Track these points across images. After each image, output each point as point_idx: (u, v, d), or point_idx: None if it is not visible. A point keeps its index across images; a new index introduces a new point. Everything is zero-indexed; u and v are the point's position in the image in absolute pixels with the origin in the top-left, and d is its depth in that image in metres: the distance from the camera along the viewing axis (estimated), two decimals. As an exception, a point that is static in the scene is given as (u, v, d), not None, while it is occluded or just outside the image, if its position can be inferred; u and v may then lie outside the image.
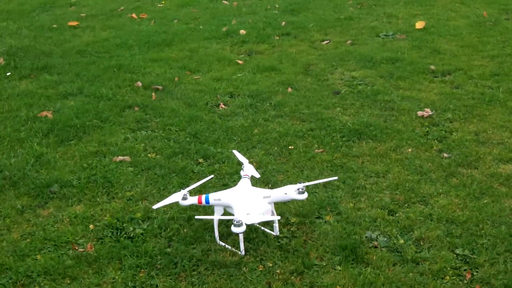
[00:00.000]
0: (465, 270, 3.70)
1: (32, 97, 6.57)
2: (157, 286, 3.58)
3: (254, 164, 4.82)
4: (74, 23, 10.07)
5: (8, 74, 7.43)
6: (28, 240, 4.04)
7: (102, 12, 11.07)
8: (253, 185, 4.12)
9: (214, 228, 3.97)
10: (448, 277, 3.62)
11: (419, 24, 9.25)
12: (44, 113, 6.07)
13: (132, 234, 4.08)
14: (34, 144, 5.38)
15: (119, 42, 8.80)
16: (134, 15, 10.63)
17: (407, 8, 10.59)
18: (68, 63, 7.81)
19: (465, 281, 3.60)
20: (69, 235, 4.08)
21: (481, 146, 5.27)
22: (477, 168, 4.91)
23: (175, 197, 4.03)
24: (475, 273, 3.67)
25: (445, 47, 8.16)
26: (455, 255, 3.83)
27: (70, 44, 8.80)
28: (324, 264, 3.76)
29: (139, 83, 6.94)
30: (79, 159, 5.14)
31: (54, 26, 9.96)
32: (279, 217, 3.82)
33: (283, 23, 9.71)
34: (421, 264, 3.75)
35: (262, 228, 4.09)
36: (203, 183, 4.39)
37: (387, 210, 4.33)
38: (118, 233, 4.10)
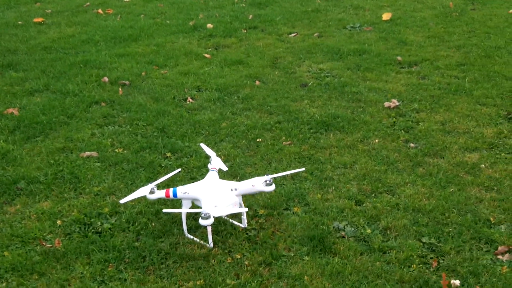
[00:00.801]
0: (431, 258, 3.74)
1: (-3, 94, 6.51)
2: (125, 280, 3.57)
3: (222, 157, 4.83)
4: (40, 20, 9.97)
5: (-27, 71, 7.35)
6: (-6, 237, 4.01)
7: (68, 8, 10.98)
8: (221, 178, 4.13)
9: (182, 221, 3.97)
10: (414, 265, 3.66)
11: (386, 16, 9.31)
12: (10, 110, 6.01)
13: (100, 229, 4.06)
14: (0, 141, 5.32)
15: (85, 38, 8.73)
16: (100, 10, 10.56)
17: None
18: (34, 60, 7.73)
19: (432, 269, 3.64)
20: (36, 231, 4.05)
21: (447, 136, 5.33)
22: (443, 158, 4.96)
23: (142, 191, 4.02)
24: (441, 261, 3.71)
25: (411, 38, 8.22)
26: (421, 244, 3.87)
27: (35, 40, 8.72)
28: (292, 254, 3.78)
29: (106, 79, 6.90)
30: (46, 155, 5.10)
31: (19, 23, 9.85)
32: (246, 209, 3.83)
33: (250, 16, 9.72)
34: (388, 253, 3.79)
35: (230, 220, 4.10)
36: (171, 177, 4.38)
37: (354, 201, 4.36)
38: (86, 228, 4.08)
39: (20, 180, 4.68)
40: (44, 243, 3.92)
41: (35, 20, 9.96)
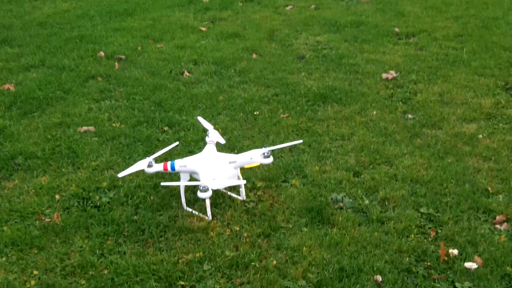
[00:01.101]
0: (429, 228, 3.75)
1: (-7, 70, 6.48)
2: (125, 253, 3.58)
3: (220, 130, 4.82)
4: (35, -5, 9.90)
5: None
6: (-7, 212, 4.01)
7: (63, -18, 10.89)
8: (218, 151, 4.12)
9: (180, 195, 3.97)
10: (412, 235, 3.67)
11: (383, -12, 9.25)
12: (6, 86, 5.98)
13: (98, 203, 4.06)
14: (-3, 117, 5.32)
15: (80, 13, 8.67)
16: (95, -15, 10.47)
17: (370, -28, 10.59)
18: (29, 35, 7.68)
19: (430, 239, 3.65)
20: (35, 206, 4.05)
21: (445, 107, 5.32)
22: (441, 128, 4.96)
23: (140, 165, 4.02)
24: (439, 231, 3.72)
25: (409, 9, 8.19)
26: (419, 214, 3.88)
27: (30, 16, 8.66)
28: (291, 226, 3.79)
29: (102, 53, 6.87)
30: (43, 130, 5.08)
31: (14, -2, 9.79)
32: (244, 182, 3.83)
33: (247, -11, 9.66)
34: (386, 223, 3.79)
35: (229, 193, 4.11)
36: (169, 150, 4.37)
37: (352, 172, 4.36)
38: (85, 203, 4.09)
39: (18, 156, 4.67)
40: (43, 218, 3.92)
41: (30, -5, 9.89)
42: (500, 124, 4.98)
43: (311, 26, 7.69)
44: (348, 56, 6.56)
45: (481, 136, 4.80)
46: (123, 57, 6.77)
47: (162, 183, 3.83)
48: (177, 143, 4.58)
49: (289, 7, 8.61)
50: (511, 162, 4.43)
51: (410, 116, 5.17)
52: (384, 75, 5.98)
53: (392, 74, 5.99)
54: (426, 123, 5.03)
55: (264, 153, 3.88)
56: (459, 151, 4.60)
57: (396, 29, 7.36)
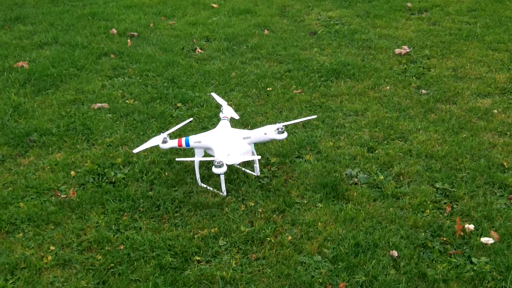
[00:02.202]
0: (445, 203, 3.75)
1: (7, 49, 6.47)
2: (140, 228, 3.60)
3: (233, 106, 4.82)
4: (45, -28, 9.87)
5: (-20, 25, 7.31)
6: (10, 188, 4.02)
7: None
8: (232, 127, 4.12)
9: (195, 170, 3.98)
10: (428, 211, 3.67)
11: (395, -38, 9.17)
12: (20, 63, 5.99)
13: (113, 179, 4.08)
14: (12, 95, 5.32)
15: (92, -10, 8.66)
16: (106, -39, 10.43)
17: None
18: (42, 13, 7.68)
19: (445, 214, 3.65)
20: (50, 182, 4.07)
21: (459, 82, 5.30)
22: (456, 104, 4.94)
23: (155, 141, 4.03)
24: (455, 206, 3.72)
25: (421, -15, 8.13)
26: (435, 189, 3.87)
27: (42, -7, 8.65)
28: (305, 202, 3.79)
29: (114, 30, 6.86)
30: (57, 107, 5.10)
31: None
32: (259, 157, 3.83)
33: (258, -35, 9.60)
34: (401, 199, 3.79)
35: (243, 169, 4.11)
36: (183, 126, 4.38)
37: (366, 148, 4.35)
38: (100, 179, 4.10)
39: (33, 133, 4.68)
40: (58, 194, 3.94)
41: (41, -28, 9.86)
42: (515, 99, 4.97)
43: (323, 1, 7.65)
44: (361, 32, 6.53)
45: (496, 111, 4.78)
46: (135, 34, 6.76)
47: (177, 159, 3.84)
48: (191, 119, 4.59)
49: (301, -18, 8.56)
50: (526, 137, 4.43)
51: (424, 91, 5.15)
52: (397, 50, 5.95)
53: (405, 49, 5.96)
54: (440, 98, 5.01)
55: (278, 129, 3.87)
56: (473, 126, 4.58)
57: (409, 4, 7.31)
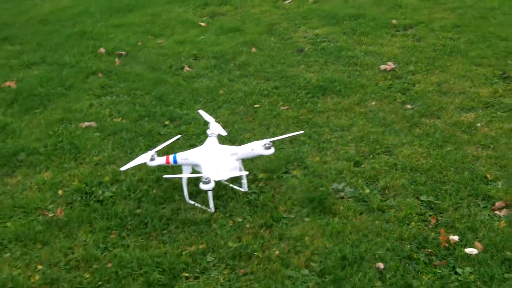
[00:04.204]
0: (430, 215, 3.79)
1: (-6, 69, 6.51)
2: (128, 246, 3.61)
3: (221, 123, 4.84)
4: (34, -7, 9.93)
5: (-32, 46, 7.34)
6: (-3, 208, 4.05)
7: (62, -20, 10.93)
8: (220, 143, 4.15)
9: (183, 187, 4.00)
10: (413, 223, 3.70)
11: (380, -20, 9.26)
12: (8, 83, 6.02)
13: (101, 198, 4.10)
14: (-1, 114, 5.35)
15: (80, 10, 8.71)
16: (94, -18, 10.49)
17: (368, -36, 10.60)
18: (30, 33, 7.72)
19: (430, 226, 3.68)
20: (38, 201, 4.09)
21: (443, 96, 5.35)
22: (440, 118, 4.99)
23: (142, 158, 4.05)
24: (439, 218, 3.75)
25: (406, 1, 8.21)
26: (419, 202, 3.91)
27: (31, 13, 8.70)
28: (293, 216, 3.82)
29: (102, 49, 6.91)
30: (45, 127, 5.12)
31: (14, -4, 9.82)
32: (247, 173, 3.87)
33: (245, -16, 9.68)
34: (387, 212, 3.83)
35: (231, 185, 4.14)
36: (170, 143, 4.40)
37: (352, 162, 4.39)
38: (88, 197, 4.12)
39: (20, 152, 4.70)
40: (46, 213, 3.96)
41: (30, -7, 9.92)
42: (498, 112, 5.01)
43: (310, 19, 7.72)
44: (347, 49, 6.59)
45: (479, 124, 4.83)
46: (123, 52, 6.81)
47: (165, 176, 3.87)
48: (179, 136, 4.62)
49: (288, 1, 8.64)
50: (509, 149, 4.46)
51: (408, 106, 5.20)
52: (382, 67, 6.01)
53: (391, 65, 6.02)
54: (424, 113, 5.06)
55: (265, 144, 3.91)
56: (457, 139, 4.63)
57: (394, 21, 7.39)
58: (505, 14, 7.40)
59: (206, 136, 4.23)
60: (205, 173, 3.72)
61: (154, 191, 4.13)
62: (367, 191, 4.03)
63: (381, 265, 3.36)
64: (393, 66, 6.00)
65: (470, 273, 3.28)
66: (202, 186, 3.66)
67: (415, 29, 7.14)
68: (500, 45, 6.42)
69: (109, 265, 3.47)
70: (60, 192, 4.19)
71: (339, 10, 7.92)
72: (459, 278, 3.25)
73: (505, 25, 7.03)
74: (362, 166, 4.35)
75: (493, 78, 5.64)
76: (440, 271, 3.31)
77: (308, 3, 8.46)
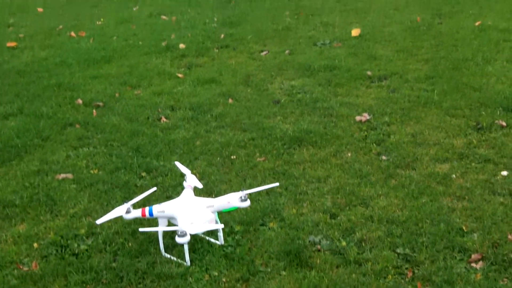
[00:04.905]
0: (406, 268, 3.80)
1: (-30, 120, 6.49)
2: (103, 300, 3.59)
3: (197, 175, 4.86)
4: (13, 44, 9.95)
5: None
6: (-29, 262, 4.00)
7: (41, 31, 10.97)
8: (196, 195, 4.16)
9: (159, 240, 3.99)
10: (390, 276, 3.71)
11: (355, 32, 9.42)
12: (-17, 134, 6.01)
13: (76, 251, 4.07)
14: (-26, 166, 5.32)
15: (58, 61, 8.74)
16: (73, 33, 10.55)
17: (342, 16, 10.79)
18: (8, 84, 7.73)
19: (407, 279, 3.69)
20: (13, 254, 4.05)
21: (418, 147, 5.41)
22: (415, 169, 5.04)
23: (118, 211, 4.04)
24: (416, 271, 3.77)
25: (380, 53, 8.33)
26: (396, 254, 3.92)
27: (9, 65, 8.71)
28: (269, 270, 3.82)
29: (80, 101, 6.92)
30: (21, 178, 5.10)
31: (-9, 47, 9.85)
32: (223, 226, 3.87)
33: (222, 35, 9.79)
34: (364, 264, 3.84)
35: (207, 237, 4.13)
36: (147, 196, 4.40)
37: (329, 214, 4.41)
38: (63, 250, 4.09)
39: (-4, 204, 4.68)
40: (21, 267, 3.92)
41: (8, 44, 9.94)
42: (473, 164, 5.06)
43: (286, 70, 7.80)
44: (322, 100, 6.66)
45: (454, 175, 4.88)
46: (101, 104, 6.83)
47: (141, 229, 3.86)
48: (154, 188, 4.61)
49: (264, 52, 8.74)
50: (484, 200, 4.50)
51: (384, 157, 5.25)
52: (357, 118, 6.07)
53: (366, 116, 6.09)
54: (400, 164, 5.11)
55: (241, 197, 3.93)
56: (433, 191, 4.67)
57: (369, 72, 7.49)
58: (477, 65, 7.52)
59: (183, 188, 4.24)
60: (181, 226, 3.72)
61: (130, 244, 4.12)
62: (344, 243, 4.04)
63: (357, 319, 3.36)
64: (368, 117, 6.06)
65: (446, 326, 3.29)
66: (178, 240, 3.65)
67: (390, 80, 7.23)
68: (473, 95, 6.52)
69: (84, 320, 3.44)
70: (35, 245, 4.16)
71: (314, 62, 8.01)
72: (436, 332, 3.26)
73: (478, 75, 7.15)
74: (339, 218, 4.37)
75: (467, 129, 5.71)
76: (417, 325, 3.31)
77: (284, 54, 8.56)
